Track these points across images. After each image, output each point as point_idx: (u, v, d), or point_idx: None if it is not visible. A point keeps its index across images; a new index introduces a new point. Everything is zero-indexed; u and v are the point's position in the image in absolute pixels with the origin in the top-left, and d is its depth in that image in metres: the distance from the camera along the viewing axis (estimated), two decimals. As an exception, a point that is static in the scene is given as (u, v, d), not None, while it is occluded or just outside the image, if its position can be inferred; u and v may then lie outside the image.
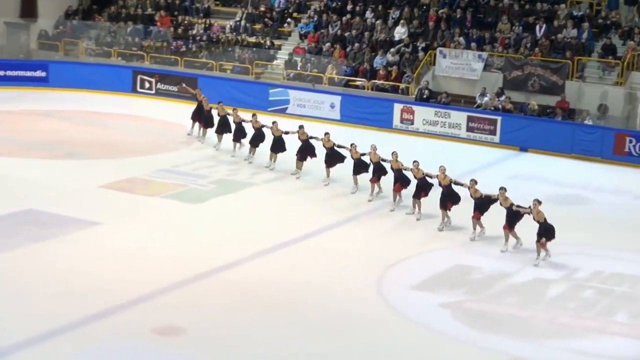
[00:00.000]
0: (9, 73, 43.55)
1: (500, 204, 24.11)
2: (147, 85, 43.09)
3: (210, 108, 34.04)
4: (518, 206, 23.88)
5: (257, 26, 45.75)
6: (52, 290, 20.12)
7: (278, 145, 31.05)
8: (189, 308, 19.62)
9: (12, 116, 37.69)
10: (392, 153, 27.48)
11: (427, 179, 26.43)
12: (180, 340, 18.16)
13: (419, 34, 41.52)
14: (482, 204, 24.88)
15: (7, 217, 24.80)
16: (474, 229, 24.98)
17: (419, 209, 26.51)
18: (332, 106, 39.45)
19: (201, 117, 34.52)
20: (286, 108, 40.22)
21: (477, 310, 20.39)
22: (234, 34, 45.43)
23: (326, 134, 29.94)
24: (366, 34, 42.35)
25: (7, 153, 31.52)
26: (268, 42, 44.27)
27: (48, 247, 22.78)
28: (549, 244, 23.19)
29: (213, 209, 26.78)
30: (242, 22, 46.00)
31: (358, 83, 40.77)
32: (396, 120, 38.31)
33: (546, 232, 23.05)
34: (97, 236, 23.87)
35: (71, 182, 28.58)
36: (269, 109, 40.21)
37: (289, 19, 45.78)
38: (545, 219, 23.07)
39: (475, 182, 24.99)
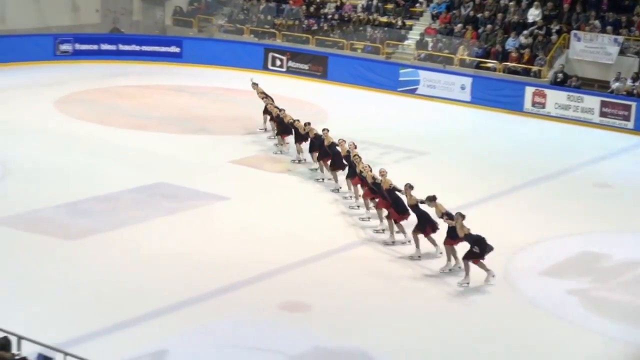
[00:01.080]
0: (145, 48, 44.37)
1: (407, 204, 21.84)
2: (278, 63, 43.42)
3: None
4: (422, 201, 21.25)
5: (389, 6, 45.62)
6: (181, 262, 20.50)
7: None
8: (316, 285, 19.77)
9: (147, 90, 38.43)
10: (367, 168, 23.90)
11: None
12: (305, 317, 18.32)
13: (552, 17, 40.86)
14: (396, 201, 22.11)
15: (139, 190, 25.34)
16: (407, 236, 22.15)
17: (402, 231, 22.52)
18: (463, 88, 39.15)
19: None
20: (416, 89, 40.08)
21: (605, 298, 20.05)
22: (366, 13, 45.40)
23: (325, 130, 27.07)
24: (499, 15, 41.85)
25: (141, 127, 32.17)
26: (399, 22, 44.14)
27: (178, 221, 23.20)
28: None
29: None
30: (374, 2, 45.90)
31: (489, 65, 40.34)
32: (527, 104, 37.79)
33: (479, 247, 19.78)
34: (225, 211, 24.20)
35: (201, 156, 29.03)
36: (399, 89, 40.20)
37: (421, -1, 45.59)
38: (469, 233, 19.87)
39: (383, 173, 22.44)
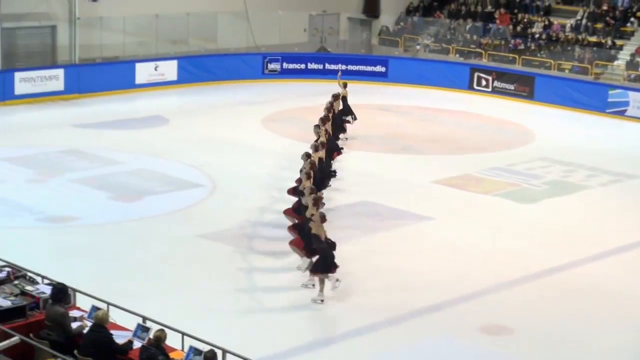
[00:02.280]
0: (351, 67, 44.79)
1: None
2: (483, 82, 43.10)
3: None
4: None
5: (599, 25, 44.69)
6: (382, 282, 20.55)
7: None
8: (518, 308, 19.48)
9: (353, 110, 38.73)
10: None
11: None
12: (506, 341, 18.06)
13: None
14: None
15: (343, 208, 25.53)
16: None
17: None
18: (672, 111, 38.03)
19: None
20: (625, 110, 39.08)
21: None
22: (574, 32, 44.62)
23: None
24: None
25: (345, 145, 32.39)
26: (609, 42, 43.17)
27: (381, 239, 23.30)
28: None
29: (545, 209, 26.42)
30: (583, 21, 45.09)
31: None
32: None
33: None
34: (429, 231, 24.14)
35: (405, 176, 29.08)
36: (607, 111, 39.28)
37: (632, 18, 44.39)
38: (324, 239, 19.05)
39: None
